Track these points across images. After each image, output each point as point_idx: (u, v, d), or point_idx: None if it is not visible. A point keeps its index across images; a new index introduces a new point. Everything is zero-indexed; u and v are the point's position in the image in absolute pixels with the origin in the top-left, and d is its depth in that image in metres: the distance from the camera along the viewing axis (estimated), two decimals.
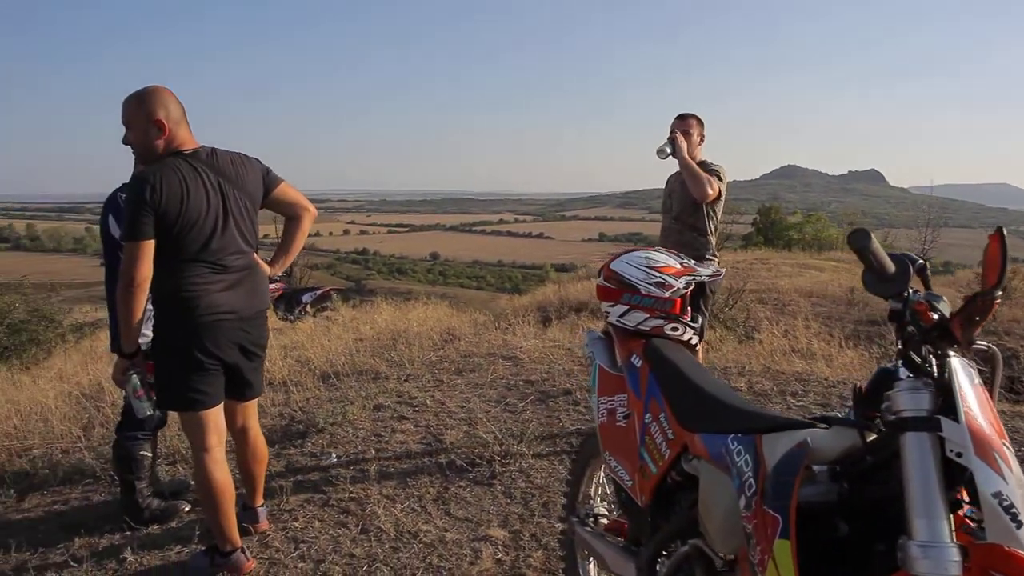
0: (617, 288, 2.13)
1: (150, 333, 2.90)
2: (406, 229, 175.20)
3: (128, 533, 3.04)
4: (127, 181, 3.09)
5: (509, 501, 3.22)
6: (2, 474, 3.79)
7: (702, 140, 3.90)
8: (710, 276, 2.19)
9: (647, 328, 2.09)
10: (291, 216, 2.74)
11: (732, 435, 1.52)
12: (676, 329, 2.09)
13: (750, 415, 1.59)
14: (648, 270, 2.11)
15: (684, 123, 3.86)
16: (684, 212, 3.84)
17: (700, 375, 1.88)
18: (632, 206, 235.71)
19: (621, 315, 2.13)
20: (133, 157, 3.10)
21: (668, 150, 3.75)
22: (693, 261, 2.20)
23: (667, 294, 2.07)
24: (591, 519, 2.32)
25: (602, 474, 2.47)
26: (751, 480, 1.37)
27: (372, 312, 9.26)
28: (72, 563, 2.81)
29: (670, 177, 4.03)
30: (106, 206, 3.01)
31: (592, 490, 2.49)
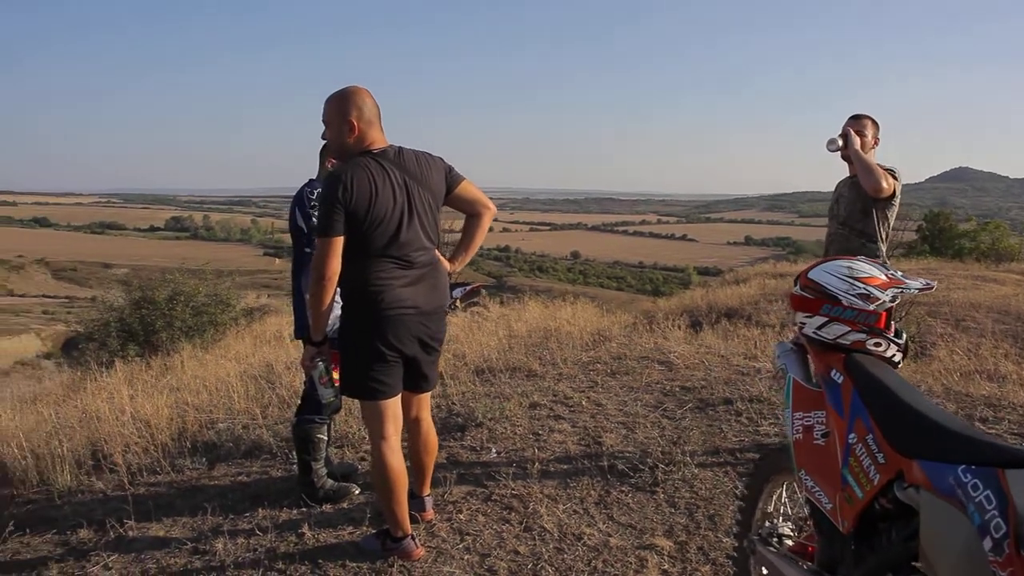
0: (815, 298, 2.00)
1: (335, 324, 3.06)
2: (548, 228, 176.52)
3: (304, 510, 3.21)
4: (312, 178, 3.27)
5: (673, 511, 3.13)
6: (194, 443, 4.12)
7: (876, 143, 3.64)
8: (920, 289, 2.01)
9: (847, 342, 1.95)
10: (471, 214, 2.79)
11: (962, 466, 1.37)
12: (879, 345, 1.93)
13: (982, 444, 1.44)
14: (851, 280, 1.96)
15: (858, 123, 3.62)
16: (852, 217, 3.62)
17: (912, 395, 1.72)
18: (780, 209, 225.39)
19: (819, 327, 2.00)
20: (319, 157, 3.28)
21: (840, 143, 3.55)
22: (900, 272, 2.03)
23: (872, 307, 1.91)
24: (774, 538, 2.20)
25: (784, 492, 2.34)
26: (998, 520, 1.23)
27: (520, 310, 9.36)
28: (258, 532, 3.00)
29: (839, 182, 3.80)
30: (294, 201, 3.19)
31: (771, 508, 2.37)
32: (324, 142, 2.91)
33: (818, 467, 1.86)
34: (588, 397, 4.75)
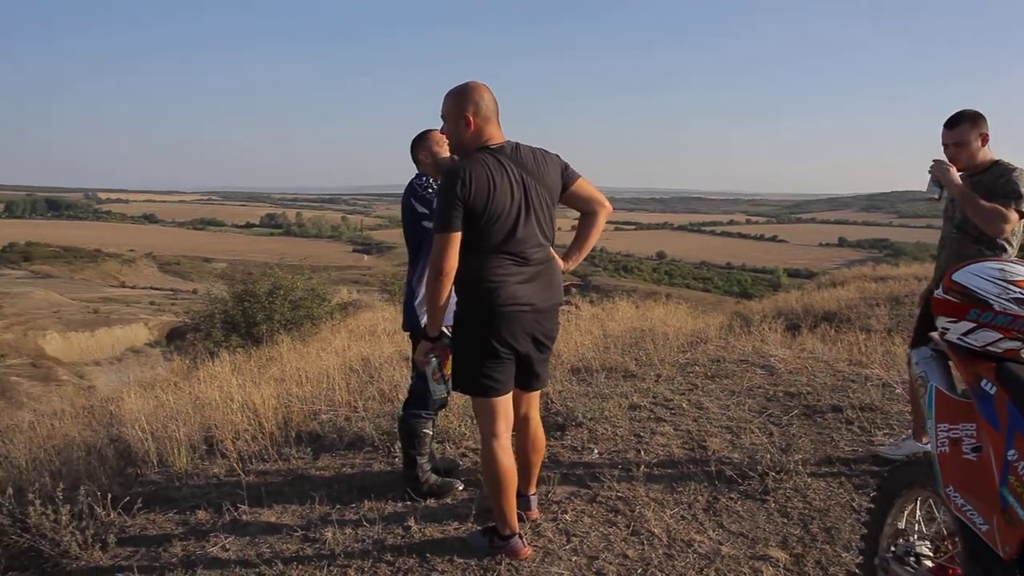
0: (962, 303, 1.87)
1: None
2: (633, 227, 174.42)
3: (409, 503, 3.24)
4: (417, 172, 3.30)
5: (786, 521, 3.01)
6: (299, 433, 4.24)
7: (984, 141, 3.17)
8: None
9: (998, 350, 1.81)
10: (587, 212, 2.75)
11: None
12: None
13: None
14: (1004, 284, 1.82)
15: (953, 134, 3.15)
16: (968, 221, 3.19)
17: None
18: (878, 210, 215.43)
19: (965, 333, 1.87)
20: (411, 150, 3.30)
21: (937, 193, 3.15)
22: None
23: None
24: (910, 558, 2.07)
25: (918, 508, 2.21)
26: None
27: (612, 309, 9.26)
28: (365, 523, 3.05)
29: None
30: (406, 193, 3.23)
31: (903, 524, 2.23)
32: (413, 138, 2.92)
33: (970, 484, 1.73)
34: (688, 400, 4.63)
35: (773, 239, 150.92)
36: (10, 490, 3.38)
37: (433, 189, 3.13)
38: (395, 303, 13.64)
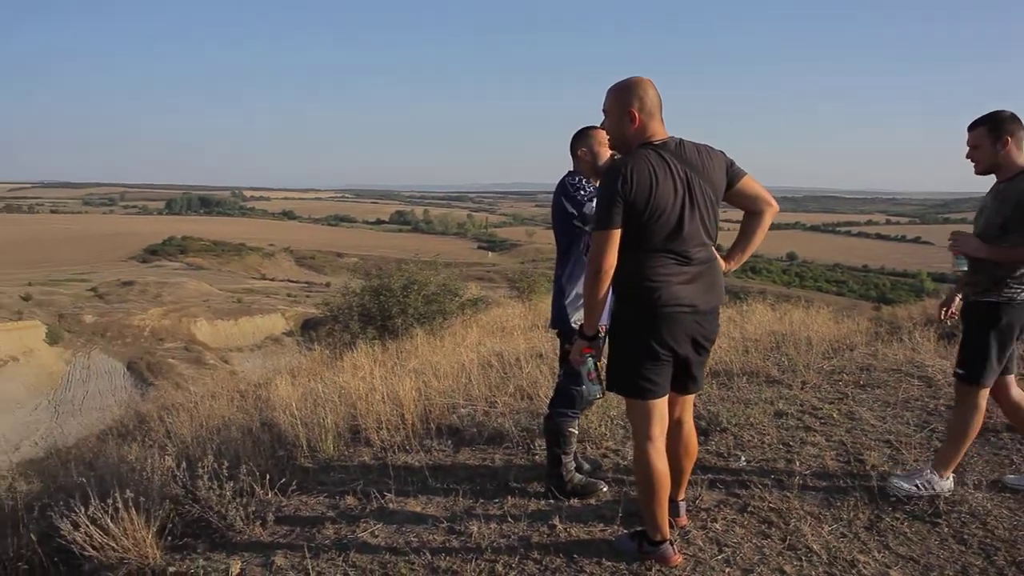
0: None
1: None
2: None
3: (552, 502, 3.23)
4: (570, 170, 3.27)
5: (963, 548, 2.76)
6: (439, 426, 4.32)
7: (1006, 145, 2.89)
8: None
9: None
10: (752, 211, 2.63)
11: None
12: None
13: None
14: None
15: (971, 136, 2.98)
16: (987, 233, 2.96)
17: None
18: None
19: None
20: (570, 146, 3.26)
21: (964, 265, 2.99)
22: None
23: None
24: None
25: None
26: None
27: (747, 312, 8.92)
28: (510, 519, 3.06)
29: (990, 189, 3.09)
30: (557, 191, 3.20)
31: None
32: (575, 132, 2.87)
33: None
34: (839, 409, 4.38)
35: (916, 240, 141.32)
36: (183, 464, 3.64)
37: (585, 191, 3.10)
38: (523, 300, 13.75)
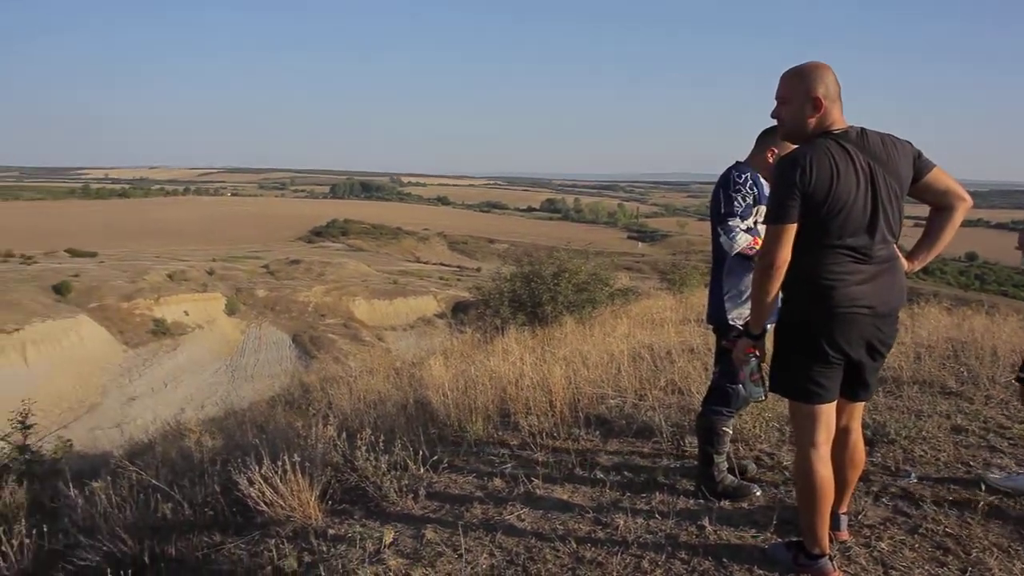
0: None
1: (746, 313, 2.90)
2: None
3: (702, 502, 3.13)
4: (738, 160, 3.13)
5: None
6: (587, 415, 4.31)
7: None
8: None
9: None
10: (942, 206, 2.41)
11: None
12: None
13: None
14: None
15: None
16: None
17: None
18: None
19: None
20: (756, 140, 3.12)
21: None
22: None
23: None
24: None
25: None
26: None
27: (919, 315, 8.24)
28: (657, 515, 3.00)
29: None
30: (719, 182, 3.09)
31: None
32: (767, 127, 2.75)
33: None
34: None
35: None
36: (343, 434, 3.86)
37: (746, 190, 2.98)
38: (674, 293, 13.46)
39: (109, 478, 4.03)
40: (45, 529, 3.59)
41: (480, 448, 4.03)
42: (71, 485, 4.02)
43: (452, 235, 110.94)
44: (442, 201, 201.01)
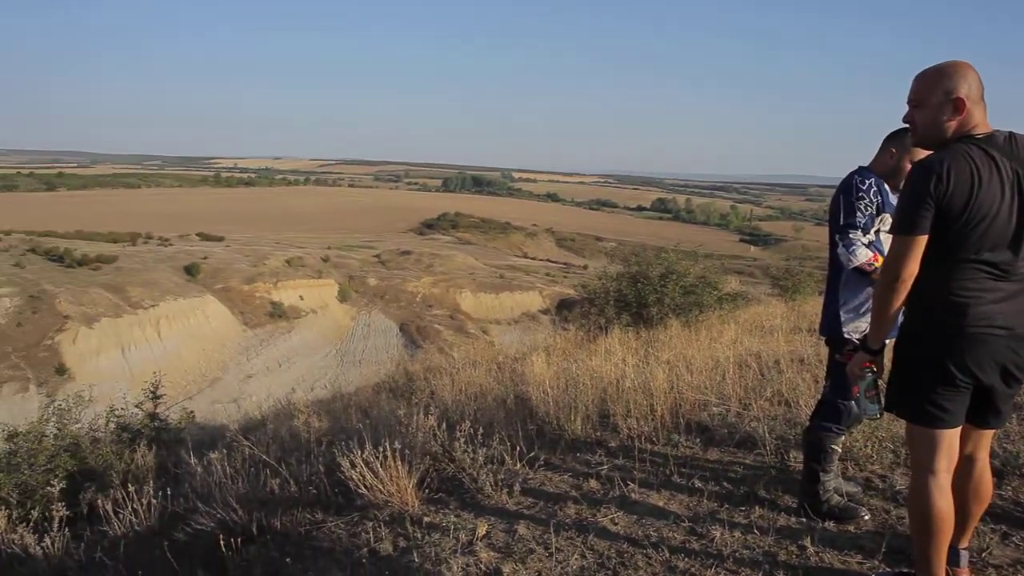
0: None
1: (865, 326, 2.75)
2: None
3: (804, 521, 2.99)
4: (862, 165, 2.97)
5: None
6: (688, 422, 4.21)
7: None
8: None
9: None
10: None
11: None
12: None
13: None
14: None
15: None
16: None
17: None
18: None
19: None
20: (883, 143, 2.95)
21: None
22: None
23: None
24: None
25: None
26: None
27: None
28: (755, 530, 2.90)
29: None
30: (839, 188, 2.94)
31: None
32: (898, 130, 2.59)
33: None
34: None
35: None
36: (443, 425, 3.93)
37: (869, 197, 2.82)
38: (786, 300, 12.95)
39: (225, 450, 4.28)
40: (169, 492, 3.86)
41: (577, 447, 4.01)
42: (192, 454, 4.29)
43: (560, 232, 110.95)
44: (552, 197, 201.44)
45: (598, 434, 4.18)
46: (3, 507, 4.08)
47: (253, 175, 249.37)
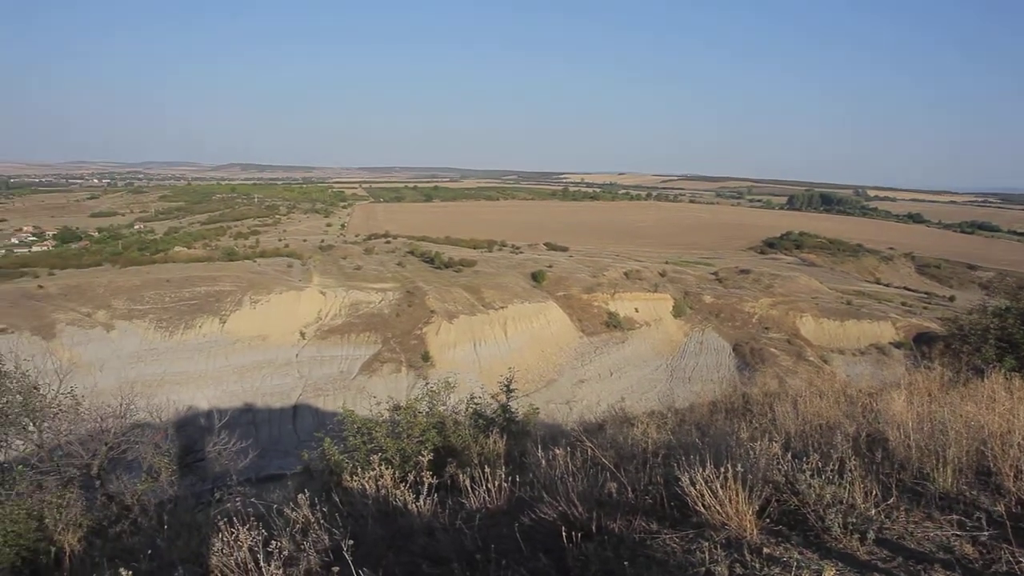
0: None
1: None
2: None
3: None
4: None
5: None
6: None
7: None
8: None
9: None
10: None
11: None
12: None
13: None
14: None
15: None
16: None
17: None
18: None
19: None
20: None
21: None
22: None
23: None
24: None
25: None
26: None
27: None
28: None
29: None
30: None
31: None
32: None
33: None
34: None
35: None
36: (788, 454, 3.71)
37: None
38: None
39: (568, 448, 4.52)
40: (517, 479, 4.20)
41: (947, 503, 3.52)
42: (538, 446, 4.62)
43: (923, 257, 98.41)
44: (914, 218, 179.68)
45: (973, 492, 3.61)
46: (389, 467, 4.79)
47: (598, 189, 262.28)
